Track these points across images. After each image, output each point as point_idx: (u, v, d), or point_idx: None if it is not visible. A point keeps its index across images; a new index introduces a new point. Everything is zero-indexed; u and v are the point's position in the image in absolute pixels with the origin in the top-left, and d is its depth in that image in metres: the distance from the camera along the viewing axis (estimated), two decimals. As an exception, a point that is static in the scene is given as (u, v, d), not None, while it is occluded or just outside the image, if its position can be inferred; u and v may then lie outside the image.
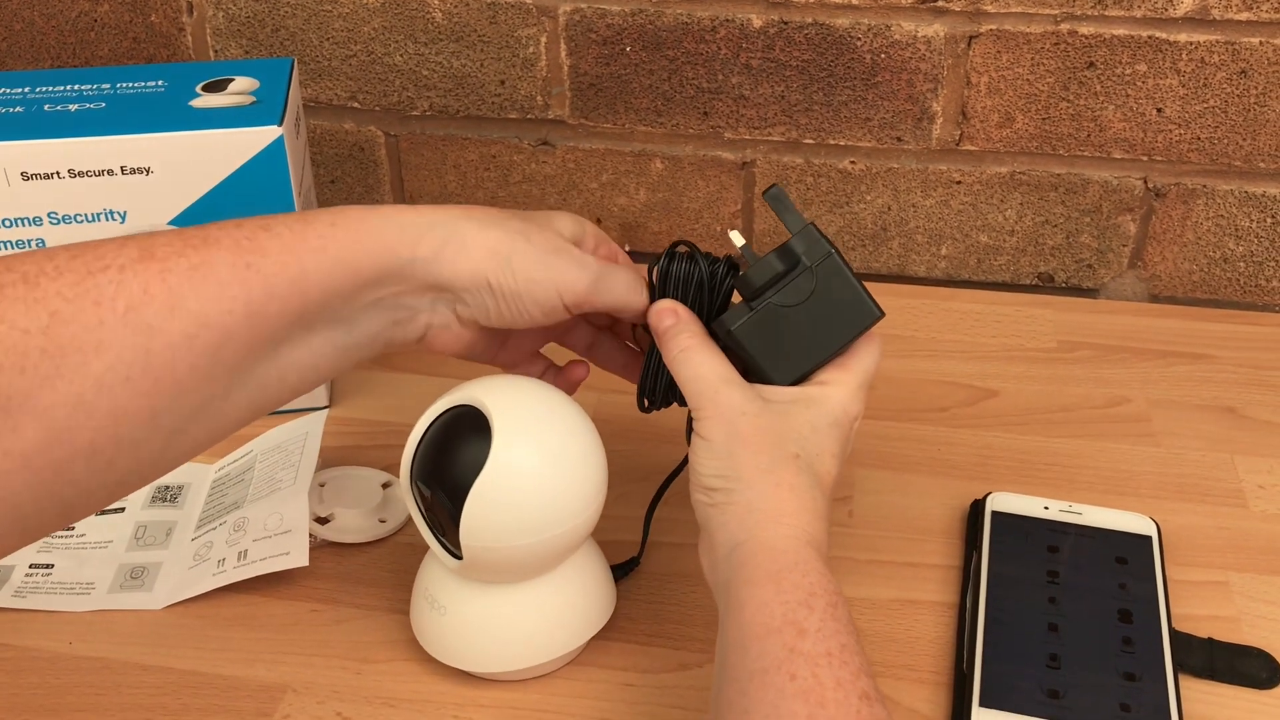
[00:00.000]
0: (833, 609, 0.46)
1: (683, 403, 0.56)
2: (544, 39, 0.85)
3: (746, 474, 0.50)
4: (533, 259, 0.52)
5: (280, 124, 0.66)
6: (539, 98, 0.87)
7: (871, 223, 0.87)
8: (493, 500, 0.52)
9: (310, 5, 0.86)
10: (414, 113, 0.89)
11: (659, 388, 0.58)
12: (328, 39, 0.87)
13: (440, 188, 0.92)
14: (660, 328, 0.55)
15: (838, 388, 0.54)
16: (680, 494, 0.65)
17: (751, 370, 0.54)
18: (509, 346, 0.59)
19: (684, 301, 0.56)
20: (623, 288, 0.55)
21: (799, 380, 0.54)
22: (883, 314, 0.55)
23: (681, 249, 0.56)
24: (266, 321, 0.46)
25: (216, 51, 0.89)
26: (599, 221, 0.91)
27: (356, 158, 0.92)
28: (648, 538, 0.64)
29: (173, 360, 0.43)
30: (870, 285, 0.86)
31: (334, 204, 0.94)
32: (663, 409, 0.59)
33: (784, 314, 0.53)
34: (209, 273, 0.45)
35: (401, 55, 0.87)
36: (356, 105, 0.90)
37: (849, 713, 0.42)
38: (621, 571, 0.62)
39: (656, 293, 0.56)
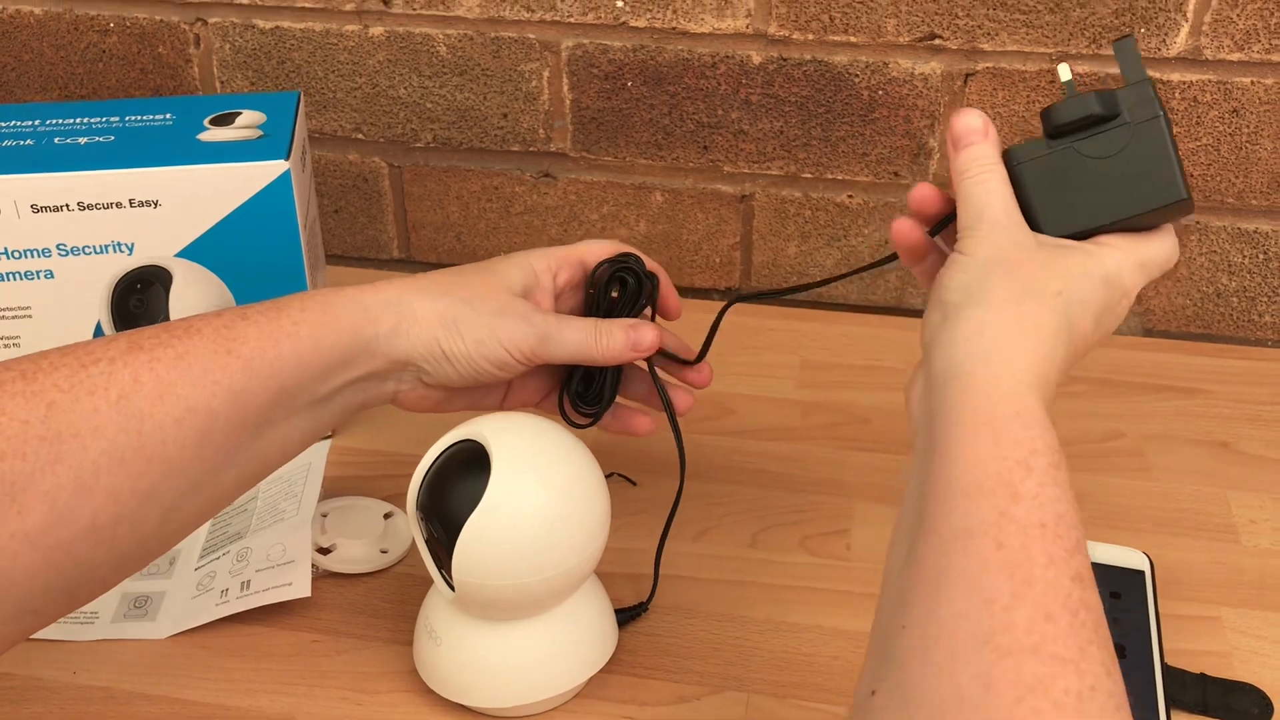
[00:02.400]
0: (1053, 471, 0.42)
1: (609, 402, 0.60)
2: (546, 73, 0.86)
3: (994, 296, 0.47)
4: (479, 324, 0.55)
5: (287, 158, 0.67)
6: (541, 131, 0.88)
7: (869, 255, 0.88)
8: (485, 537, 0.52)
9: (316, 39, 0.87)
10: (418, 144, 0.90)
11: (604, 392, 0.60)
12: (333, 71, 0.88)
13: (443, 218, 0.93)
14: (967, 135, 0.51)
15: (1118, 251, 0.50)
16: (677, 526, 0.65)
17: (1024, 210, 0.50)
18: (509, 399, 0.62)
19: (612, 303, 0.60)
20: (573, 342, 0.57)
21: (1073, 238, 0.51)
22: (1190, 201, 0.50)
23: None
24: (249, 403, 0.49)
25: (223, 83, 0.90)
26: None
27: (360, 188, 0.93)
28: (657, 583, 0.64)
29: (163, 442, 0.46)
30: (867, 317, 0.88)
31: (338, 233, 0.95)
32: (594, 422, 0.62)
33: (1082, 163, 0.49)
34: (193, 360, 0.48)
35: (406, 88, 0.88)
36: (361, 137, 0.91)
37: (1058, 594, 0.38)
38: (626, 616, 0.62)
39: (593, 302, 0.60)
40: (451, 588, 0.54)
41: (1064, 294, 0.47)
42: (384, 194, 0.93)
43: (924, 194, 0.54)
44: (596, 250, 0.61)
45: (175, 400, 0.47)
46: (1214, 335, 0.86)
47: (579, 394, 0.61)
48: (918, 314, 0.89)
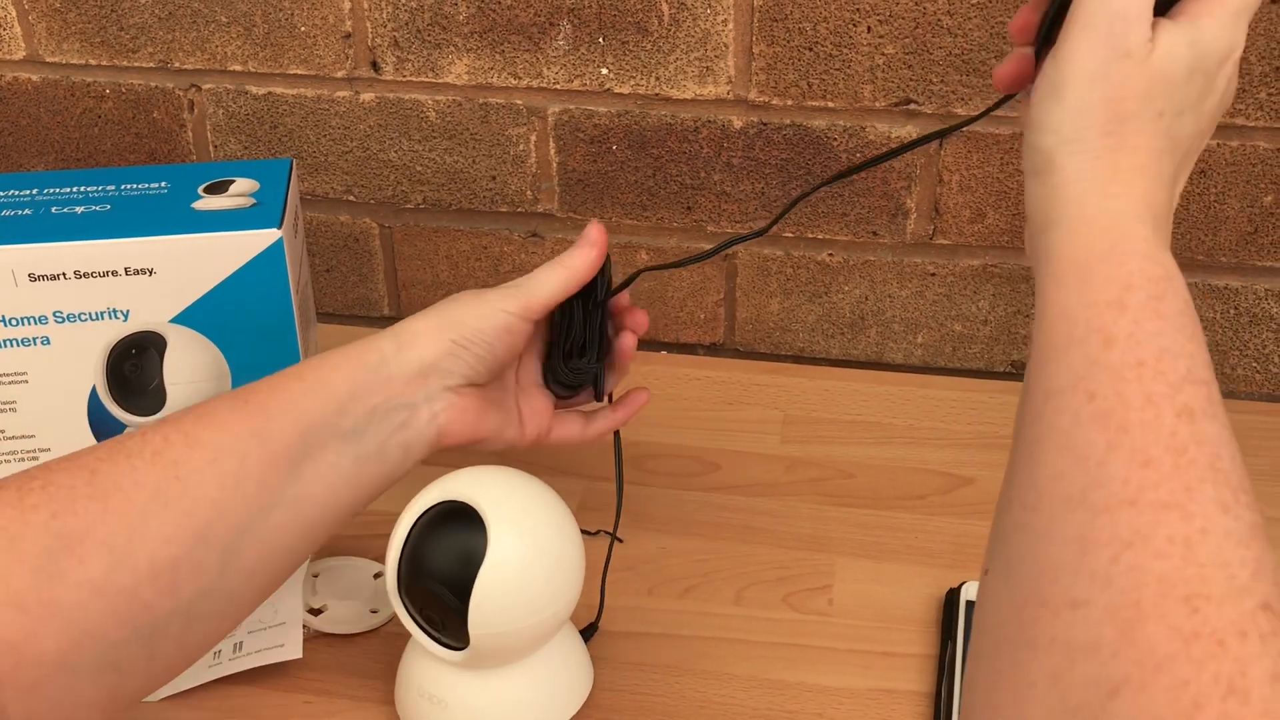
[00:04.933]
0: (1154, 303, 0.38)
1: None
2: (534, 138, 0.88)
3: (1090, 134, 0.43)
4: (470, 303, 0.60)
5: (279, 226, 0.69)
6: (529, 192, 0.90)
7: (849, 312, 0.90)
8: (500, 586, 0.55)
9: (308, 104, 0.89)
10: (408, 205, 0.92)
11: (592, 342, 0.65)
12: (325, 136, 0.90)
13: (433, 276, 0.95)
14: None
15: (1212, 19, 0.44)
16: (663, 583, 0.67)
17: None
18: (526, 420, 0.64)
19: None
20: (552, 272, 0.62)
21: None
22: None
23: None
24: (273, 440, 0.52)
25: (216, 147, 0.92)
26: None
27: (351, 248, 0.95)
28: (604, 602, 0.67)
29: (202, 483, 0.50)
30: (848, 372, 0.90)
31: (330, 291, 0.97)
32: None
33: None
34: (213, 415, 0.53)
35: (396, 151, 0.90)
36: (352, 199, 0.93)
37: (1158, 435, 0.35)
38: (587, 634, 0.66)
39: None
40: (453, 648, 0.56)
41: (1166, 112, 0.43)
42: (375, 253, 0.95)
43: (1025, 20, 0.48)
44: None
45: (204, 447, 0.51)
46: (1188, 388, 0.88)
47: (567, 356, 0.65)
48: (897, 369, 0.91)
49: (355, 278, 0.96)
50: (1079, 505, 0.35)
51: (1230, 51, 0.45)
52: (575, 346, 0.65)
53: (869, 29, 0.80)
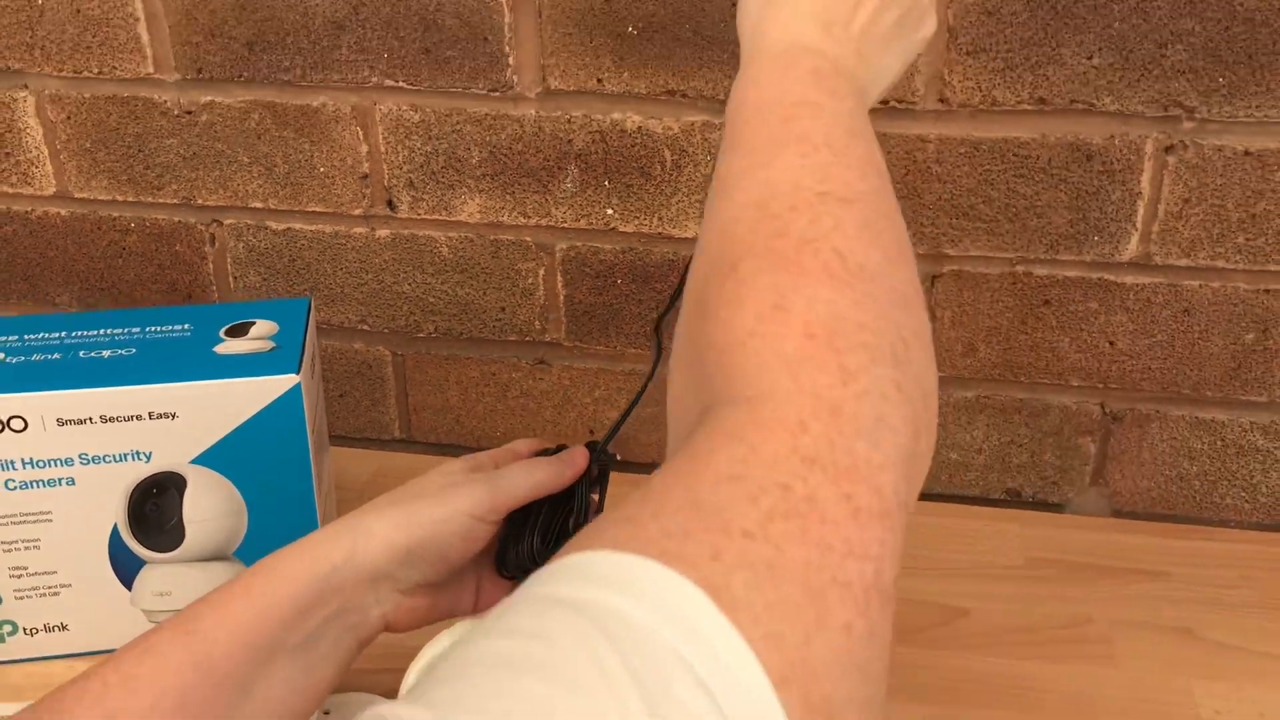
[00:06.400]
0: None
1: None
2: (542, 272, 0.91)
3: None
4: (431, 505, 0.59)
5: (298, 371, 0.72)
6: (537, 322, 0.93)
7: (848, 439, 0.93)
8: None
9: (326, 239, 0.93)
10: (420, 334, 0.96)
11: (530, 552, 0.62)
12: (341, 269, 0.94)
13: (443, 401, 0.98)
14: None
15: None
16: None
17: None
18: (482, 596, 0.63)
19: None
20: (524, 479, 0.61)
21: None
22: None
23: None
24: (218, 669, 0.52)
25: (236, 279, 0.96)
26: (591, 433, 0.96)
27: (364, 374, 0.98)
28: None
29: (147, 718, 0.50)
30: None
31: (343, 415, 0.99)
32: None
33: None
34: (155, 650, 0.52)
35: (410, 284, 0.94)
36: (366, 328, 0.96)
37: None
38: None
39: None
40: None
41: None
42: (387, 379, 0.98)
43: None
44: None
45: (143, 691, 0.50)
46: (1178, 515, 0.90)
47: (526, 546, 0.62)
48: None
49: (368, 402, 0.99)
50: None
51: None
52: (535, 539, 0.63)
53: (863, 174, 0.83)
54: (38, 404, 0.70)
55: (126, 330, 0.77)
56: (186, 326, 0.77)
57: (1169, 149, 0.79)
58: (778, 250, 0.42)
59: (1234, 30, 0.75)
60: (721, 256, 0.44)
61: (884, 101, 0.81)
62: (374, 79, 0.87)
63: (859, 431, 0.37)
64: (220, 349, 0.75)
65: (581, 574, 0.33)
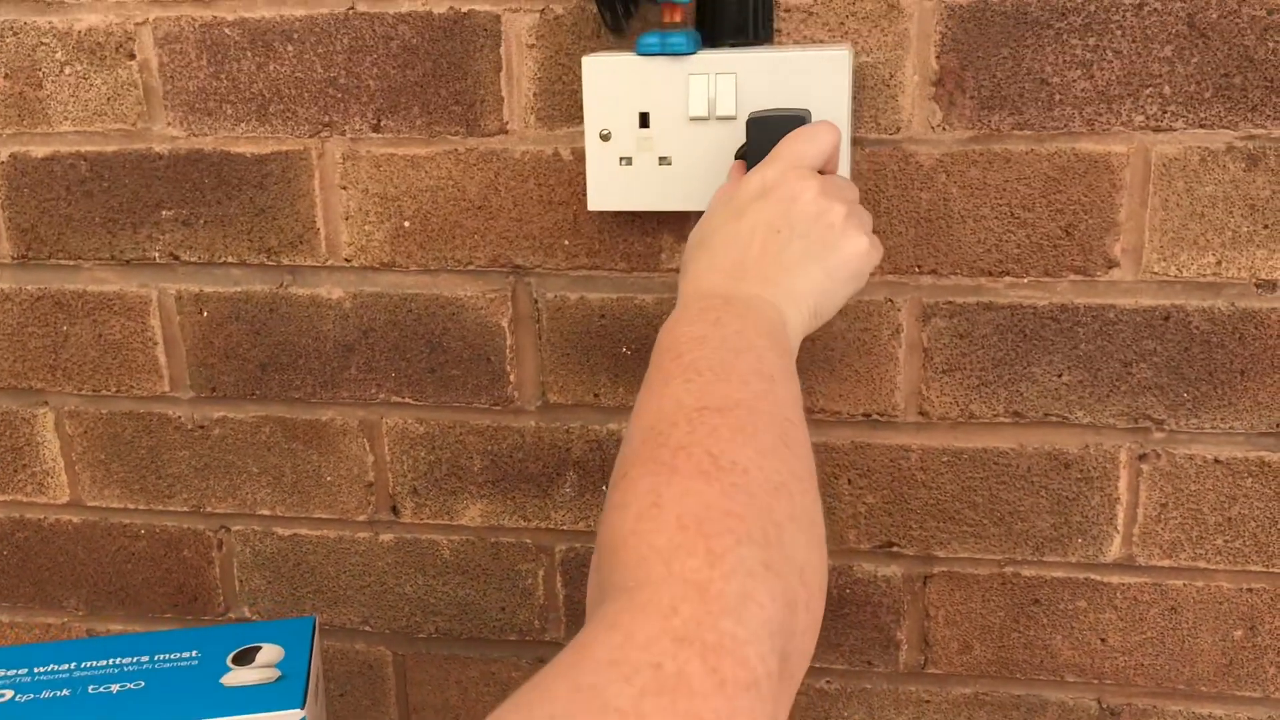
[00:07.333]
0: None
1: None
2: (541, 572, 0.93)
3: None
4: None
5: (302, 706, 0.73)
6: (537, 622, 0.95)
7: (849, 735, 0.93)
8: None
9: (330, 544, 0.95)
10: (421, 635, 0.97)
11: None
12: (345, 571, 0.96)
13: (443, 701, 0.98)
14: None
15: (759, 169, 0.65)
16: None
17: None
18: None
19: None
20: None
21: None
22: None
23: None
24: None
25: (241, 582, 0.98)
26: None
27: (365, 674, 0.99)
28: None
29: None
30: None
31: (344, 715, 0.99)
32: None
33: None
34: None
35: (412, 585, 0.95)
36: (368, 629, 0.97)
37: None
38: None
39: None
40: None
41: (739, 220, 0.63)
42: (387, 679, 0.99)
43: None
44: None
45: None
46: (1186, 811, 0.90)
47: None
48: None
49: (368, 701, 0.99)
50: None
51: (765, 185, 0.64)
52: None
53: (849, 481, 0.87)
54: (45, 748, 0.71)
55: (135, 659, 0.78)
56: (194, 654, 0.79)
57: (1142, 457, 0.83)
58: (659, 458, 0.47)
59: (1193, 351, 0.80)
60: (617, 470, 0.50)
61: (867, 414, 0.85)
62: (381, 395, 0.91)
63: (725, 610, 0.41)
64: (227, 680, 0.76)
65: None
